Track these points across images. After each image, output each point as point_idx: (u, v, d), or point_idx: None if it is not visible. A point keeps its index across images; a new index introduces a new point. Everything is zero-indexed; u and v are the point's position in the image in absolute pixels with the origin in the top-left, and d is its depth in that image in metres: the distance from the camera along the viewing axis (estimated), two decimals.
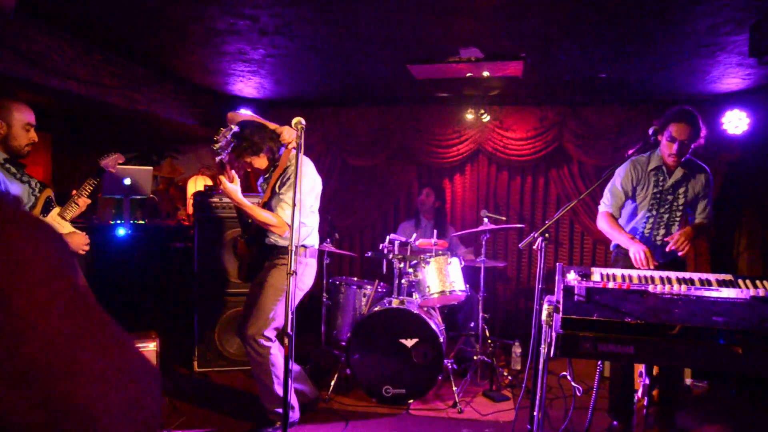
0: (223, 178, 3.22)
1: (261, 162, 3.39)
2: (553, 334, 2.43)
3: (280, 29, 3.47)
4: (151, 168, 5.35)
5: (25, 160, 3.09)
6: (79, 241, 3.01)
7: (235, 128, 3.25)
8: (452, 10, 3.11)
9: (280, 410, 3.10)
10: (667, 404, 3.40)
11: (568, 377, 2.72)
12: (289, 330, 2.33)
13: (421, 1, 2.98)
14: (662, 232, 3.32)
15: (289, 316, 2.33)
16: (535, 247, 2.70)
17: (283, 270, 2.95)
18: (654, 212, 3.33)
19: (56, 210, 3.10)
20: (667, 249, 3.21)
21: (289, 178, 3.29)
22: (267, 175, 3.51)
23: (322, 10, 3.16)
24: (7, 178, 2.91)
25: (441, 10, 3.10)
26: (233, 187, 3.22)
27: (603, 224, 3.40)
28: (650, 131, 3.02)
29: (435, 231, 4.66)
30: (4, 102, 2.91)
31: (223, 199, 4.48)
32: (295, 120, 2.73)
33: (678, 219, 3.33)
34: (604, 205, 3.43)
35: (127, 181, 5.24)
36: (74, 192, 3.17)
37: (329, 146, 5.96)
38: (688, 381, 4.53)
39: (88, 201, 3.23)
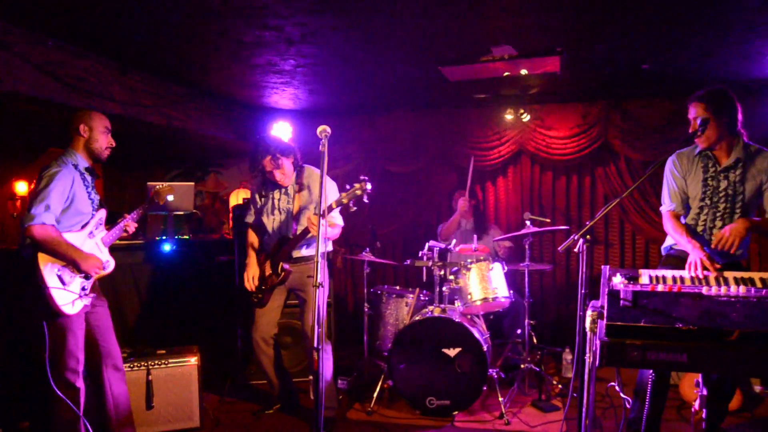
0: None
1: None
2: (598, 342, 2.27)
3: (306, 38, 3.44)
4: (192, 183, 5.42)
5: None
6: (92, 264, 3.00)
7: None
8: (481, 6, 3.00)
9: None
10: (711, 414, 3.13)
11: (616, 387, 2.54)
12: (315, 344, 2.26)
13: (446, 0, 2.89)
14: (719, 224, 3.01)
15: (316, 330, 2.26)
16: (576, 249, 2.53)
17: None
18: (708, 201, 3.00)
19: (101, 234, 3.15)
20: (713, 246, 2.94)
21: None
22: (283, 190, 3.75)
23: (344, 16, 3.11)
24: (85, 187, 3.02)
25: (468, 7, 2.99)
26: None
27: (667, 226, 3.14)
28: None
29: (475, 236, 4.53)
30: (83, 111, 3.09)
31: None
32: (320, 128, 2.69)
33: (738, 209, 2.96)
34: (665, 205, 3.17)
35: (170, 198, 5.32)
36: (125, 215, 3.26)
37: (367, 154, 5.92)
38: (758, 388, 4.21)
39: (136, 225, 3.32)
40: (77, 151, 3.03)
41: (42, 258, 2.83)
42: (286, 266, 3.66)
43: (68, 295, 2.89)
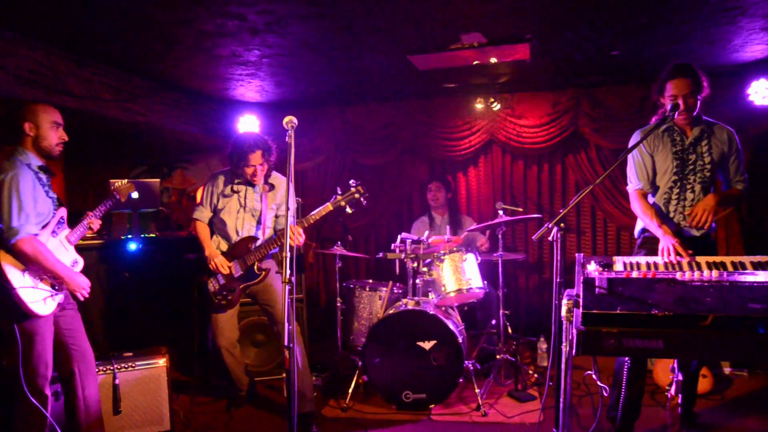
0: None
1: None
2: (574, 330, 2.24)
3: (271, 27, 3.34)
4: (157, 180, 5.26)
5: None
6: (79, 283, 2.90)
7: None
8: None
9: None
10: (686, 399, 3.16)
11: (593, 376, 2.53)
12: (286, 342, 2.18)
13: None
14: (690, 196, 3.03)
15: (287, 327, 2.18)
16: (550, 238, 2.50)
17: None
18: (679, 174, 3.03)
19: (65, 232, 3.02)
20: (686, 224, 2.97)
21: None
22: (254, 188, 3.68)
23: (309, 4, 3.01)
24: (42, 186, 2.89)
25: None
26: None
27: (635, 206, 3.15)
28: (669, 107, 2.82)
29: (449, 227, 4.48)
30: (28, 105, 2.92)
31: None
32: (286, 119, 2.60)
33: (708, 180, 3.01)
34: (632, 185, 3.17)
35: (135, 195, 5.16)
36: (88, 213, 3.13)
37: (338, 146, 5.83)
38: (727, 370, 4.28)
39: (100, 222, 3.20)
40: (27, 149, 2.88)
41: (2, 256, 2.69)
42: (263, 265, 3.57)
43: (38, 293, 2.75)
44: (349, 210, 3.42)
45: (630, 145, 3.07)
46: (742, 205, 4.51)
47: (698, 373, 3.20)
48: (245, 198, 3.67)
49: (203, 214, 3.76)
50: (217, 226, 3.75)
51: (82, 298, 2.94)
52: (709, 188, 3.02)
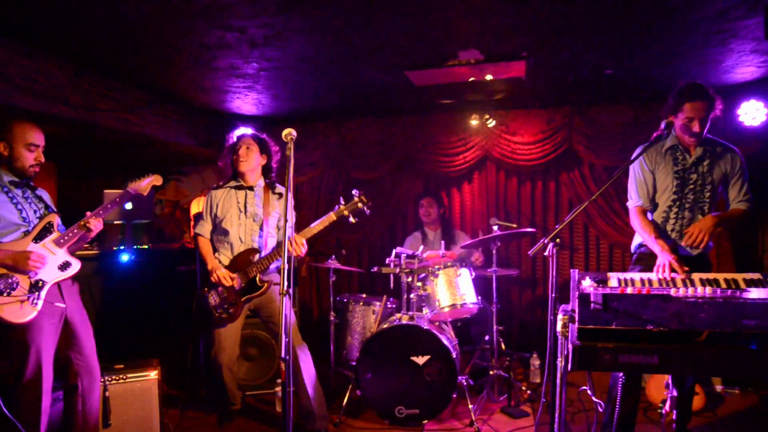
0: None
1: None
2: (570, 346, 2.25)
3: (270, 40, 3.36)
4: (152, 192, 5.26)
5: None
6: (28, 257, 2.78)
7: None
8: (447, 9, 2.98)
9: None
10: (681, 416, 3.17)
11: (588, 392, 2.53)
12: (284, 354, 2.17)
13: (413, 2, 2.85)
14: (688, 215, 3.06)
15: (284, 340, 2.18)
16: (546, 253, 2.52)
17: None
18: (679, 193, 3.06)
19: (54, 236, 2.98)
20: (683, 243, 3.00)
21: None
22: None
23: (309, 18, 3.04)
24: (10, 198, 2.86)
25: (435, 8, 2.97)
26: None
27: (635, 222, 3.17)
28: (663, 125, 2.83)
29: (443, 242, 4.49)
30: (7, 123, 2.88)
31: None
32: (285, 132, 2.61)
33: (707, 200, 3.04)
34: (632, 201, 3.20)
35: (128, 206, 5.15)
36: (87, 213, 3.06)
37: (332, 161, 5.84)
38: (719, 388, 4.29)
39: (101, 226, 3.09)
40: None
41: None
42: (264, 278, 3.53)
43: (11, 300, 2.70)
44: (352, 220, 3.40)
45: (632, 166, 3.12)
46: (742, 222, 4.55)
47: (693, 390, 3.21)
48: (245, 203, 3.59)
49: (204, 228, 3.67)
50: (219, 239, 3.64)
51: (36, 270, 2.80)
52: (708, 208, 3.04)
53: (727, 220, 3.01)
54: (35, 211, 2.97)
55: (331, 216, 3.41)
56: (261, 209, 3.59)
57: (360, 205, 3.40)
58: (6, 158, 2.87)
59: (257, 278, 3.50)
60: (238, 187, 3.63)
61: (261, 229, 3.58)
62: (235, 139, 3.68)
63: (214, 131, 5.47)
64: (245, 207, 3.59)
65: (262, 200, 3.61)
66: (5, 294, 2.69)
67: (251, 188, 3.63)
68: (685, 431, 3.20)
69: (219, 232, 3.64)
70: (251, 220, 3.58)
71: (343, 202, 3.42)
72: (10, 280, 2.74)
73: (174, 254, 5.37)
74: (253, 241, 3.58)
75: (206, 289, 3.56)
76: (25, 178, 2.96)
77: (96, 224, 3.05)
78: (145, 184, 3.30)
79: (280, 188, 3.72)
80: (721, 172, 3.02)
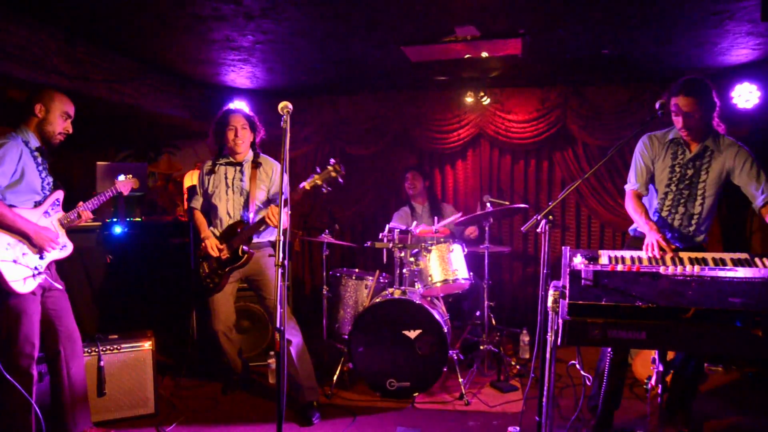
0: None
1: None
2: (560, 321, 2.30)
3: (267, 12, 3.33)
4: (144, 164, 5.24)
5: None
6: (46, 236, 2.89)
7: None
8: None
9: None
10: (684, 392, 3.24)
11: (577, 366, 2.59)
12: (278, 324, 2.20)
13: None
14: (681, 210, 3.08)
15: (278, 310, 2.20)
16: (539, 230, 2.55)
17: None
18: (673, 188, 3.07)
19: (59, 215, 3.05)
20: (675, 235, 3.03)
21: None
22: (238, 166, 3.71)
23: None
24: (36, 165, 2.93)
25: None
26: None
27: (628, 205, 3.19)
28: (657, 105, 2.84)
29: (435, 218, 4.52)
30: (46, 89, 2.98)
31: None
32: (281, 105, 2.60)
33: (700, 196, 3.03)
34: (630, 184, 3.21)
35: (121, 178, 5.13)
36: (80, 203, 3.15)
37: (327, 135, 5.83)
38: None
39: (91, 216, 3.21)
40: (29, 129, 2.94)
41: None
42: (247, 248, 3.58)
43: (19, 270, 2.75)
44: (325, 189, 3.37)
45: (637, 145, 3.14)
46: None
47: (690, 370, 3.25)
48: (231, 178, 3.68)
49: (198, 202, 3.81)
50: (210, 213, 3.77)
51: (49, 251, 2.92)
52: (701, 204, 3.04)
53: None
54: (48, 184, 3.04)
55: (305, 186, 3.39)
56: (247, 183, 3.64)
57: (333, 174, 3.34)
58: (40, 121, 2.93)
59: (239, 249, 3.59)
60: (228, 164, 3.72)
61: (248, 203, 3.64)
62: (223, 114, 3.70)
63: (209, 104, 5.43)
64: (233, 182, 3.68)
65: (248, 175, 3.66)
66: (17, 263, 2.74)
67: (240, 164, 3.70)
68: (688, 409, 3.26)
69: (210, 206, 3.76)
70: (238, 194, 3.68)
71: (319, 171, 3.40)
72: (23, 253, 2.81)
73: (167, 227, 5.36)
74: (241, 215, 3.67)
75: (200, 260, 3.68)
76: (50, 144, 3.01)
77: (87, 216, 3.18)
78: (128, 185, 3.47)
79: (263, 157, 3.77)
80: (719, 168, 2.99)
